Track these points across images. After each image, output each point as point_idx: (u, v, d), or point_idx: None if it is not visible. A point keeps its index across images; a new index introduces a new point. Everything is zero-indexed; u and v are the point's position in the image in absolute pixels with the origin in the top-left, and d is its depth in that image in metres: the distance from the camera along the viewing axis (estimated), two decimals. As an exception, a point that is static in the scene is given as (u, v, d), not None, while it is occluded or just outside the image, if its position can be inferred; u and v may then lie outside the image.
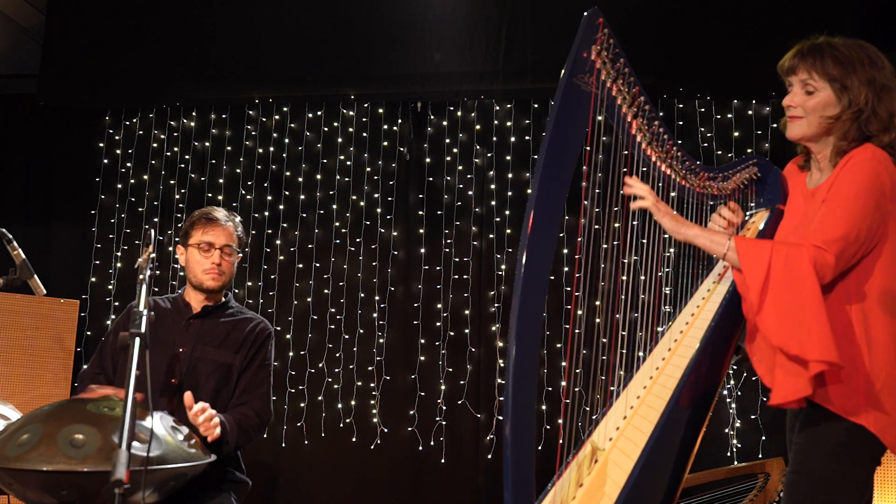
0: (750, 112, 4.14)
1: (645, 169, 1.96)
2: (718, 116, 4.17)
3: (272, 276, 4.36)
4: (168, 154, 4.54)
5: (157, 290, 4.28)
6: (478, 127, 4.33)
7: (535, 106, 4.28)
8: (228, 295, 2.64)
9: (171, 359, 2.43)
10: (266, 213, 4.43)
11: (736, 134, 4.13)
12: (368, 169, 4.39)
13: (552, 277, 4.07)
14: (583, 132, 1.72)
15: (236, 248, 2.58)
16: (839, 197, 1.71)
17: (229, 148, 4.51)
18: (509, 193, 4.24)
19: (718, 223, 2.06)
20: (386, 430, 4.16)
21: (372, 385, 4.20)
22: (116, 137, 4.57)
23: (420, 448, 4.12)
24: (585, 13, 1.74)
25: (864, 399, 1.66)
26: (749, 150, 4.04)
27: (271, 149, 4.47)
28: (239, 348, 2.50)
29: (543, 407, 4.00)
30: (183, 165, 4.52)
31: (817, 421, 1.71)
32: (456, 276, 4.24)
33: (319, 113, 4.47)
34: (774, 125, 4.03)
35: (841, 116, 1.78)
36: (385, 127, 4.42)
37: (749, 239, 1.79)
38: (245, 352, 2.51)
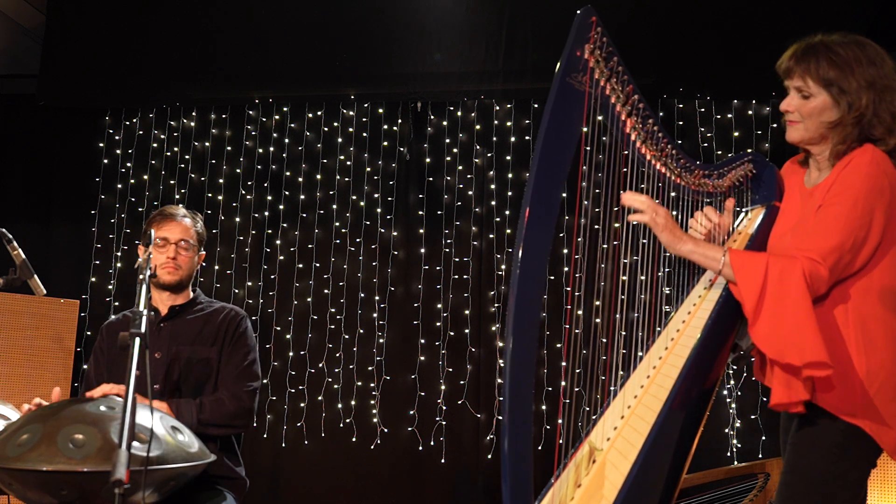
0: (750, 112, 4.14)
1: (643, 169, 1.96)
2: (718, 116, 4.17)
3: (272, 276, 4.36)
4: (168, 154, 4.54)
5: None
6: (478, 127, 4.33)
7: (535, 106, 4.28)
8: (197, 291, 2.62)
9: (149, 365, 2.41)
10: (266, 213, 4.43)
11: (736, 134, 4.14)
12: (368, 169, 4.40)
13: (552, 277, 4.08)
14: (577, 131, 1.72)
15: (194, 244, 2.54)
16: (836, 203, 1.69)
17: (229, 148, 4.51)
18: (509, 193, 4.24)
19: (698, 228, 2.04)
20: (386, 430, 4.16)
21: (372, 385, 4.20)
22: (116, 137, 4.57)
23: (420, 448, 4.12)
24: (578, 12, 1.74)
25: (860, 400, 1.65)
26: (749, 151, 4.04)
27: (271, 149, 4.47)
28: (214, 341, 2.48)
29: (543, 407, 4.01)
30: (183, 165, 4.52)
31: (813, 421, 1.71)
32: (456, 276, 4.24)
33: (319, 113, 4.48)
34: (774, 125, 4.04)
35: (842, 121, 1.73)
36: (385, 127, 4.42)
37: (744, 253, 1.77)
38: (221, 342, 2.48)
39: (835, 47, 1.75)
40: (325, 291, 4.32)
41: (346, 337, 4.26)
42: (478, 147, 4.32)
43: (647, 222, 1.85)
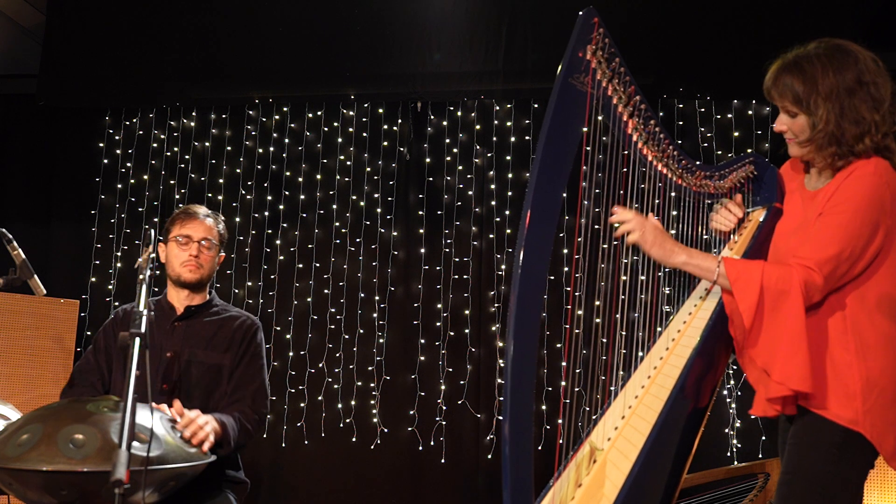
0: (750, 112, 4.14)
1: (643, 169, 1.96)
2: (718, 116, 4.17)
3: (272, 276, 4.36)
4: (168, 154, 4.54)
5: (156, 289, 4.27)
6: (478, 127, 4.33)
7: (535, 106, 4.28)
8: (213, 293, 2.61)
9: (159, 363, 2.38)
10: (266, 213, 4.43)
11: (736, 134, 4.14)
12: (368, 169, 4.40)
13: (552, 277, 4.07)
14: (579, 131, 1.73)
15: (216, 243, 2.54)
16: (836, 213, 1.70)
17: (229, 148, 4.51)
18: (509, 193, 4.24)
19: (721, 221, 2.07)
20: (386, 430, 4.16)
21: (372, 385, 4.20)
22: (116, 137, 4.57)
23: (420, 448, 4.12)
24: (581, 13, 1.74)
25: (860, 407, 1.66)
26: (749, 151, 4.04)
27: (271, 149, 4.47)
28: (228, 347, 2.46)
29: (543, 407, 4.00)
30: (183, 165, 4.52)
31: (813, 422, 1.71)
32: (456, 276, 4.24)
33: (319, 113, 4.48)
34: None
35: (814, 139, 1.75)
36: (385, 127, 4.42)
37: (739, 262, 1.78)
38: (234, 350, 2.46)
39: (802, 63, 1.75)
40: (325, 291, 4.31)
41: (346, 337, 4.26)
42: (478, 147, 4.32)
43: (636, 241, 1.86)
